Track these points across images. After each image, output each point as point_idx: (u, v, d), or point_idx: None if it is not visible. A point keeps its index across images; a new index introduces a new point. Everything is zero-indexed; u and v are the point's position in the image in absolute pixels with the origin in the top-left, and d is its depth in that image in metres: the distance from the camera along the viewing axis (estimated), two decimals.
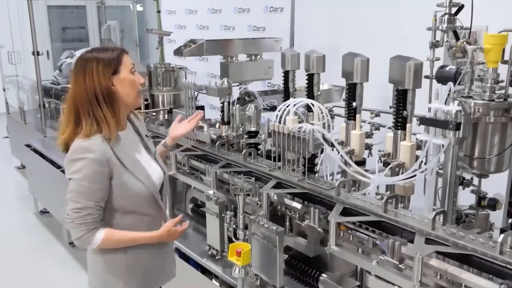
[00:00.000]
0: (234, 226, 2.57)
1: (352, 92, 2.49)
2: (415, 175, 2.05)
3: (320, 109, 2.41)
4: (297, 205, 2.34)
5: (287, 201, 2.39)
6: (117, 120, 1.92)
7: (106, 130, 1.87)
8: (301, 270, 2.33)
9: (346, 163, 2.29)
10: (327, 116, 2.41)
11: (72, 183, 1.87)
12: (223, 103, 3.02)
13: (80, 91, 1.87)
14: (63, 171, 2.63)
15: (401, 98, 2.23)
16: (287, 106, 2.37)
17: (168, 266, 2.19)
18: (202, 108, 3.68)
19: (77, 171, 1.85)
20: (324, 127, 2.35)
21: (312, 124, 2.32)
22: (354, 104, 2.49)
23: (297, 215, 2.36)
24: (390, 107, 2.31)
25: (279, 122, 2.38)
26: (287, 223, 2.48)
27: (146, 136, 2.17)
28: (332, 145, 2.26)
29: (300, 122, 2.44)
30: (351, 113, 2.50)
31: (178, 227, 2.06)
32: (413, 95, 2.21)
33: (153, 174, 2.05)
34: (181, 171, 3.10)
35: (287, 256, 2.39)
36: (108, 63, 1.88)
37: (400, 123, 2.26)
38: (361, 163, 2.43)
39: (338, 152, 2.28)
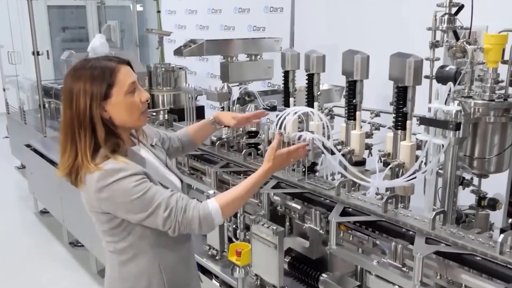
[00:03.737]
0: (234, 226, 2.57)
1: (352, 89, 2.49)
2: (414, 177, 2.05)
3: (320, 117, 2.41)
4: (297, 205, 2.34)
5: (287, 201, 2.39)
6: (121, 140, 1.70)
7: (120, 150, 1.66)
8: (303, 272, 2.32)
9: (345, 168, 2.28)
10: (326, 125, 2.39)
11: (135, 204, 1.59)
12: (223, 107, 3.03)
13: (73, 116, 1.61)
14: None
15: (401, 95, 2.22)
16: (287, 115, 2.35)
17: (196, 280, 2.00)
18: (202, 108, 3.68)
19: (125, 192, 1.58)
20: (323, 128, 2.34)
21: (312, 132, 2.31)
22: (354, 101, 2.48)
23: (297, 215, 2.36)
24: (391, 104, 2.31)
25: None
26: (287, 223, 2.48)
27: (152, 145, 1.91)
28: (332, 152, 2.25)
29: (300, 123, 2.44)
30: (351, 111, 2.50)
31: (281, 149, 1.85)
32: (413, 92, 2.20)
33: (174, 181, 1.88)
34: (181, 170, 3.09)
35: (289, 258, 2.36)
36: (97, 87, 1.59)
37: (400, 122, 2.25)
38: (361, 163, 2.42)
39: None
